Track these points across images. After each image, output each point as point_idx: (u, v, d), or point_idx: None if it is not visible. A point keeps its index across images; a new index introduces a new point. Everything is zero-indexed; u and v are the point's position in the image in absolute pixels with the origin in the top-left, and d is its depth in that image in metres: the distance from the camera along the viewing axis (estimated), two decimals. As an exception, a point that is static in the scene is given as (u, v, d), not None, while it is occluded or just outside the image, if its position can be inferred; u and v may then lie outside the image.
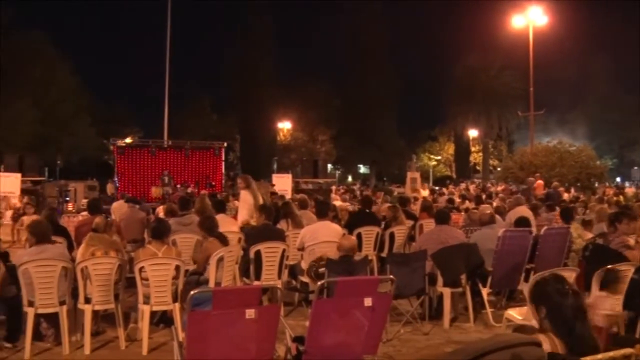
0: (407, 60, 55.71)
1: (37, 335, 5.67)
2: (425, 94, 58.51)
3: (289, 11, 56.57)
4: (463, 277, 6.60)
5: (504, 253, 6.61)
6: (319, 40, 57.57)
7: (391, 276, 4.74)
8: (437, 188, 28.60)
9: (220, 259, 5.94)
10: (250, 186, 9.20)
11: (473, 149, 53.09)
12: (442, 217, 7.26)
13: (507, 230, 6.83)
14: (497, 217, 8.60)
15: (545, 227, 7.55)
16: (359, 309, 3.93)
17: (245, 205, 8.84)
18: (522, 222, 7.33)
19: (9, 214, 14.00)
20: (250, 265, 6.79)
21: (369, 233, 8.51)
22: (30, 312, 5.40)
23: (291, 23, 61.76)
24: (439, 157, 57.56)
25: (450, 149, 55.82)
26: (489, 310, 6.57)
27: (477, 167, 52.79)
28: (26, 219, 10.51)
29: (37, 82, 35.58)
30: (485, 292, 6.60)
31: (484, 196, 15.93)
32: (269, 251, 6.74)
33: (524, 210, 9.10)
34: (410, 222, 9.42)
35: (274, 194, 14.85)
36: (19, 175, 18.38)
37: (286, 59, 51.62)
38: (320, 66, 58.35)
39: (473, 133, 48.02)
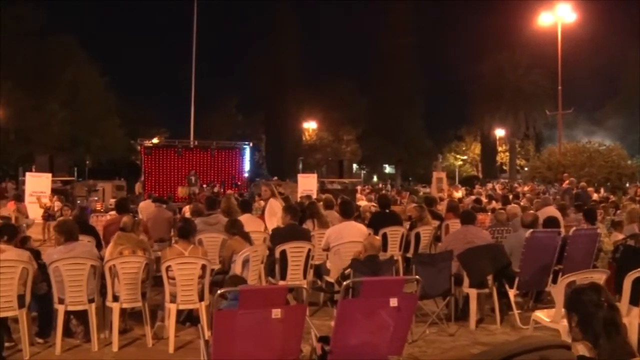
0: (434, 60, 55.22)
1: (68, 332, 5.79)
2: (451, 93, 57.97)
3: (315, 11, 56.62)
4: (489, 278, 6.53)
5: (531, 254, 6.51)
6: (345, 40, 57.47)
7: (417, 276, 4.71)
8: (464, 188, 28.36)
9: (246, 261, 5.97)
10: (275, 194, 9.23)
11: (500, 148, 52.48)
12: (468, 218, 7.18)
13: (534, 231, 6.73)
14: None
15: (574, 228, 7.42)
16: (384, 309, 3.91)
17: (275, 213, 8.69)
18: (551, 222, 7.20)
19: (39, 213, 14.24)
20: (275, 265, 6.82)
21: (395, 233, 8.47)
22: (60, 309, 5.52)
23: (317, 23, 61.83)
24: (465, 157, 57.01)
25: (476, 148, 55.26)
26: (516, 311, 6.49)
27: (504, 167, 52.15)
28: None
29: (68, 84, 36.38)
30: (512, 293, 6.52)
31: (510, 196, 15.74)
32: (295, 251, 6.76)
33: (552, 211, 8.95)
34: (436, 223, 9.34)
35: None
36: (49, 175, 18.68)
37: (312, 59, 51.71)
38: (346, 66, 58.26)
39: (500, 132, 47.46)
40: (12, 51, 32.96)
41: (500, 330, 6.34)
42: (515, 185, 30.74)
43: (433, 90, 50.51)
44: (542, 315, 5.22)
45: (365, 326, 3.95)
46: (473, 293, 6.38)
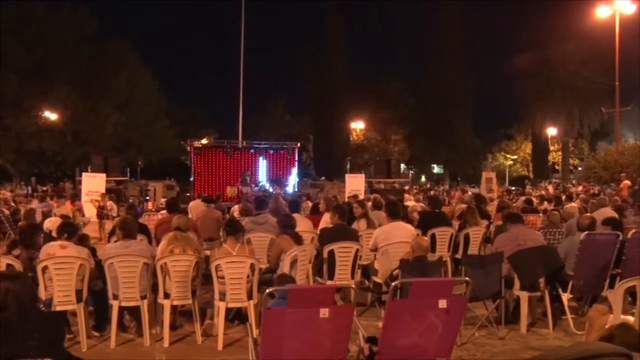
0: (483, 57, 54.19)
1: (122, 326, 6.00)
2: (501, 91, 56.77)
3: (363, 11, 56.47)
4: (541, 280, 6.36)
5: (586, 257, 6.30)
6: (392, 40, 57.16)
7: (466, 278, 4.64)
8: (513, 189, 27.76)
9: (295, 261, 6.01)
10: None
11: (552, 147, 51.00)
12: (514, 218, 7.00)
13: (589, 233, 6.51)
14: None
15: (633, 230, 7.12)
16: (433, 311, 3.87)
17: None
18: (611, 222, 6.92)
19: (95, 211, 14.67)
20: (323, 265, 6.83)
21: (443, 234, 8.36)
22: (114, 304, 5.71)
23: (365, 23, 61.66)
24: (515, 157, 55.70)
25: (527, 147, 53.88)
26: (569, 316, 6.28)
27: (556, 167, 50.67)
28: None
29: (121, 88, 37.51)
30: (565, 297, 6.32)
31: (564, 197, 15.29)
32: (343, 251, 6.76)
33: (608, 212, 8.64)
34: (484, 222, 9.17)
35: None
36: (104, 175, 19.31)
37: (360, 59, 51.64)
38: (394, 65, 57.82)
39: (552, 131, 46.13)
40: (69, 56, 34.26)
41: (553, 335, 6.16)
42: (569, 185, 29.85)
43: (482, 89, 49.60)
44: (598, 321, 5.03)
45: (413, 327, 3.91)
46: (524, 296, 6.22)
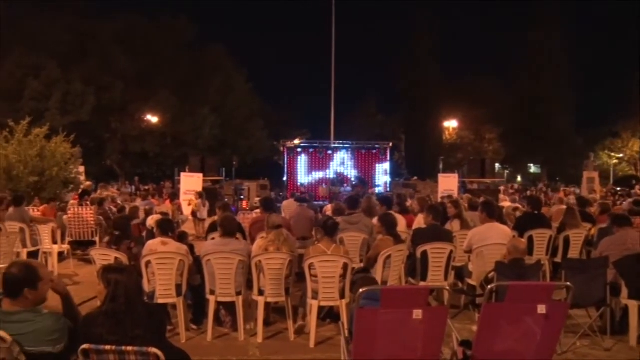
0: (587, 49, 51.06)
1: (218, 321, 6.24)
2: (606, 86, 53.35)
3: (455, 8, 55.14)
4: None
5: None
6: (486, 36, 55.40)
7: (567, 283, 4.42)
8: (619, 189, 26.12)
9: (388, 257, 5.98)
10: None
11: (665, 145, 47.37)
12: (622, 220, 6.57)
13: None
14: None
15: None
16: (531, 316, 3.71)
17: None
18: None
19: (190, 210, 15.26)
20: (416, 266, 6.75)
21: (541, 236, 8.01)
22: (211, 299, 5.96)
23: (457, 20, 60.22)
24: (621, 155, 52.24)
25: (635, 145, 50.36)
26: (686, 329, 5.81)
27: (670, 166, 47.00)
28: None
29: (217, 91, 38.99)
30: (682, 308, 5.84)
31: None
32: (436, 252, 6.65)
33: None
34: (587, 225, 8.69)
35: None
36: (201, 175, 20.12)
37: (452, 56, 50.43)
38: (488, 63, 56.01)
39: (665, 127, 42.82)
40: (169, 63, 36.11)
41: (667, 350, 5.72)
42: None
43: (585, 84, 46.87)
44: None
45: (510, 333, 3.77)
46: (633, 305, 5.82)
